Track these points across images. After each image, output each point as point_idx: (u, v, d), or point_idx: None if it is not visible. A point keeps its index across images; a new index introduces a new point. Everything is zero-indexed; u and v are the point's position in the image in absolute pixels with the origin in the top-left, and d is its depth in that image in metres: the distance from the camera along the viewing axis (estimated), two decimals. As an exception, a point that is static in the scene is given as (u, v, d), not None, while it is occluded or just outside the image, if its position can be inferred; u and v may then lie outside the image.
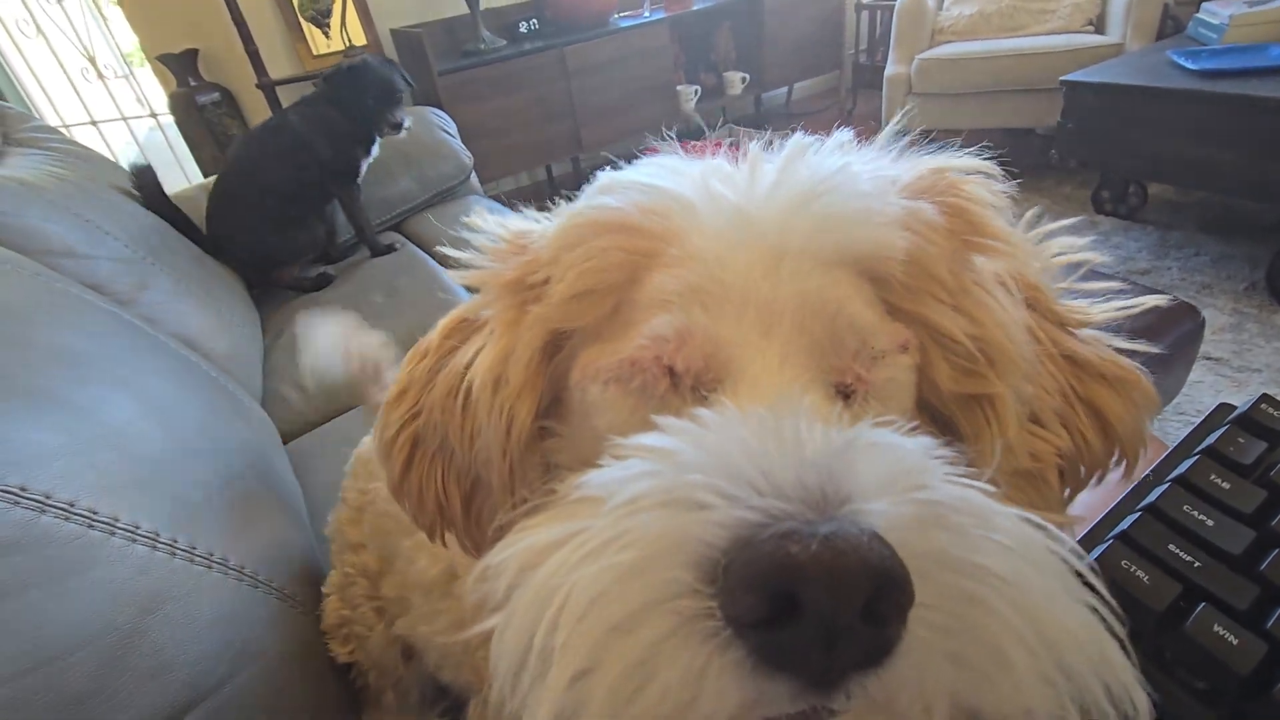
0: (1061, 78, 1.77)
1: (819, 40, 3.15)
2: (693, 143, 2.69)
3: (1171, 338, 0.89)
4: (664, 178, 0.25)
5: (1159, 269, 1.75)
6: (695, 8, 2.79)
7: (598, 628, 0.16)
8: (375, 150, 1.26)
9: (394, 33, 2.47)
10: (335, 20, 2.39)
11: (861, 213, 0.23)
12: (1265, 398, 0.31)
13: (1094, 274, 0.30)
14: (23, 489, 0.35)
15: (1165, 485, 0.28)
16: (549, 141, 2.57)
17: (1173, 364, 0.91)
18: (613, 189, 0.25)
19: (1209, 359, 1.43)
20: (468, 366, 0.26)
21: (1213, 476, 0.27)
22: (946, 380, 0.24)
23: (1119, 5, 2.12)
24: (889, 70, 2.33)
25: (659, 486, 0.17)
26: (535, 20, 2.65)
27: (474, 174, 1.54)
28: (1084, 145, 1.80)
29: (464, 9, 2.44)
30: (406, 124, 1.23)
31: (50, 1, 2.57)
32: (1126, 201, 1.99)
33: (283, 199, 1.14)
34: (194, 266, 0.97)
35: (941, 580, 0.16)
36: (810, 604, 0.15)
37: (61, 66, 2.74)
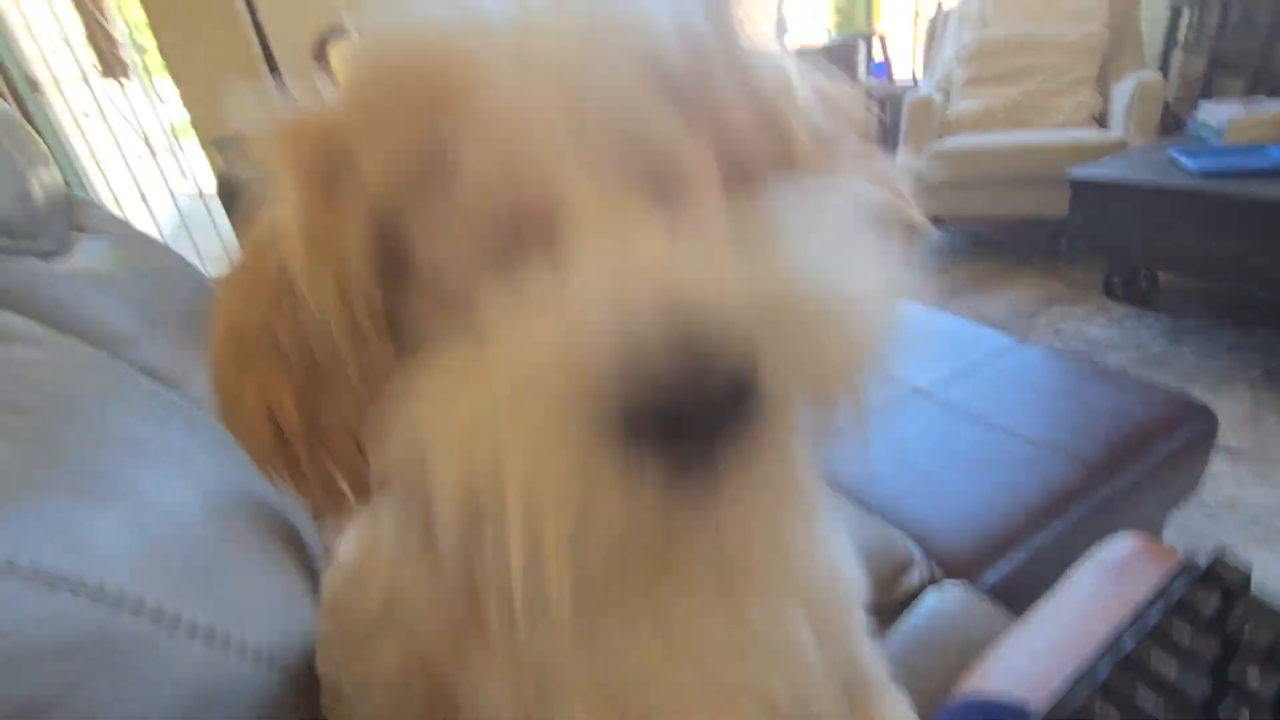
0: (1069, 172, 1.84)
1: (831, 128, 3.30)
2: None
3: (1184, 438, 0.90)
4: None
5: (1173, 355, 1.77)
6: (713, 98, 2.95)
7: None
8: None
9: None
10: (377, 108, 2.56)
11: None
12: (1221, 554, 0.34)
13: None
14: (101, 587, 0.38)
15: (1136, 636, 0.30)
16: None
17: (1186, 463, 0.92)
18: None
19: (1229, 450, 1.42)
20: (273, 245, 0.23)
21: (1177, 629, 0.30)
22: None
23: (1121, 103, 2.22)
24: (900, 160, 2.43)
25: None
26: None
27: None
28: (1093, 236, 1.86)
29: (496, 98, 2.61)
30: None
31: (117, 86, 2.78)
32: (1138, 288, 2.02)
33: None
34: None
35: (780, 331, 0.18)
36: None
37: (118, 145, 2.94)
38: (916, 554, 0.67)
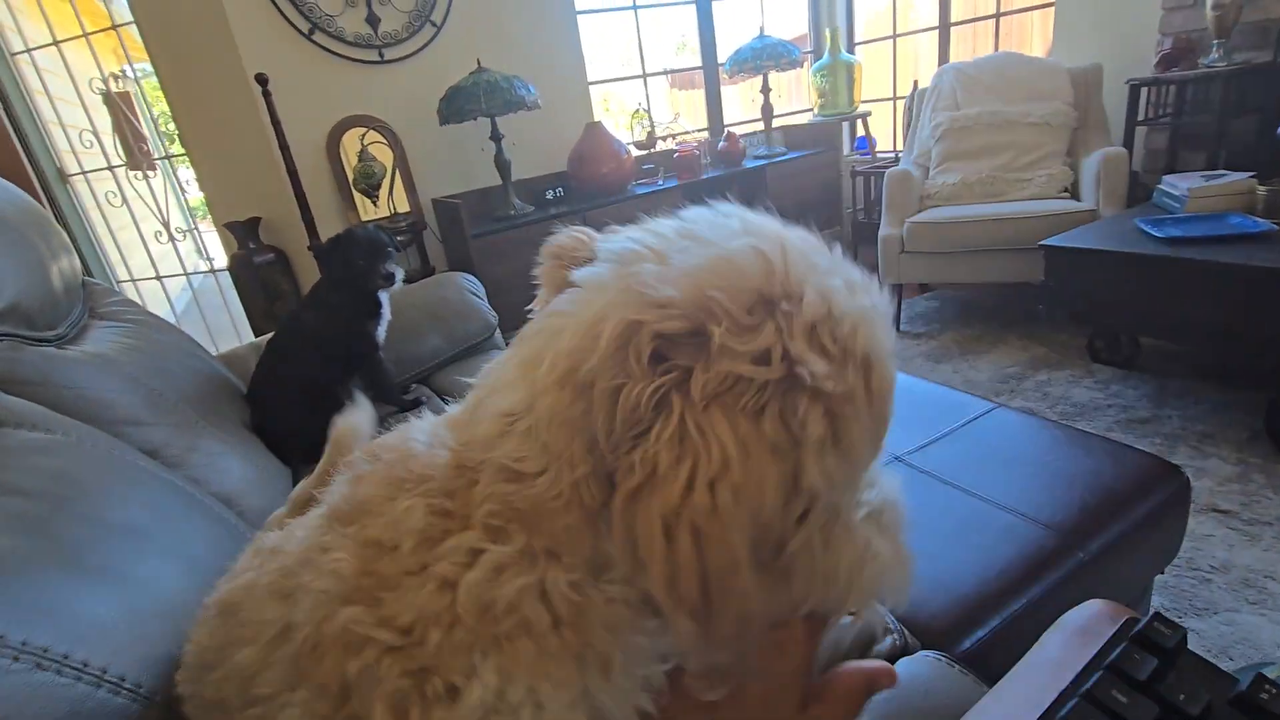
0: (1040, 242, 1.92)
1: (819, 202, 3.45)
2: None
3: (1158, 500, 0.92)
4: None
5: (1159, 418, 1.79)
6: (705, 176, 3.10)
7: None
8: (386, 312, 1.34)
9: (435, 202, 2.77)
10: (384, 191, 2.70)
11: None
12: (1157, 616, 0.36)
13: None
14: (85, 664, 0.41)
15: (1074, 700, 0.32)
16: (569, 293, 2.77)
17: (1163, 525, 0.93)
18: None
19: (1218, 511, 1.43)
20: None
21: (1114, 692, 0.32)
22: None
23: (1090, 175, 2.33)
24: (883, 231, 2.53)
25: None
26: (561, 188, 2.97)
27: (498, 330, 1.67)
28: (1069, 302, 1.92)
29: (497, 180, 2.75)
30: (399, 276, 1.30)
31: (138, 179, 2.94)
32: (1121, 351, 2.07)
33: (315, 388, 1.21)
34: (238, 426, 1.06)
35: None
36: None
37: (138, 229, 3.08)
38: (888, 619, 0.69)
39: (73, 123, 3.02)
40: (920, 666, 0.61)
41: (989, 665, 0.70)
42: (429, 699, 0.29)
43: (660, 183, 3.06)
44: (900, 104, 3.77)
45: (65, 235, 1.11)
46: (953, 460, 1.04)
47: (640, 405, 0.26)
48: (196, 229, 3.30)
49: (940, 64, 3.49)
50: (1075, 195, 2.46)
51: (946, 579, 0.81)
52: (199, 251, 3.26)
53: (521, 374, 0.32)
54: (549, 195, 2.95)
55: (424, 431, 0.37)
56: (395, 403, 1.36)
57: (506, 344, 1.80)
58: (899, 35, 3.80)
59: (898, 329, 2.63)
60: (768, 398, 0.26)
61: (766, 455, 0.26)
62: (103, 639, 0.43)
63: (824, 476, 0.27)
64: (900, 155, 3.50)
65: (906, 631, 0.70)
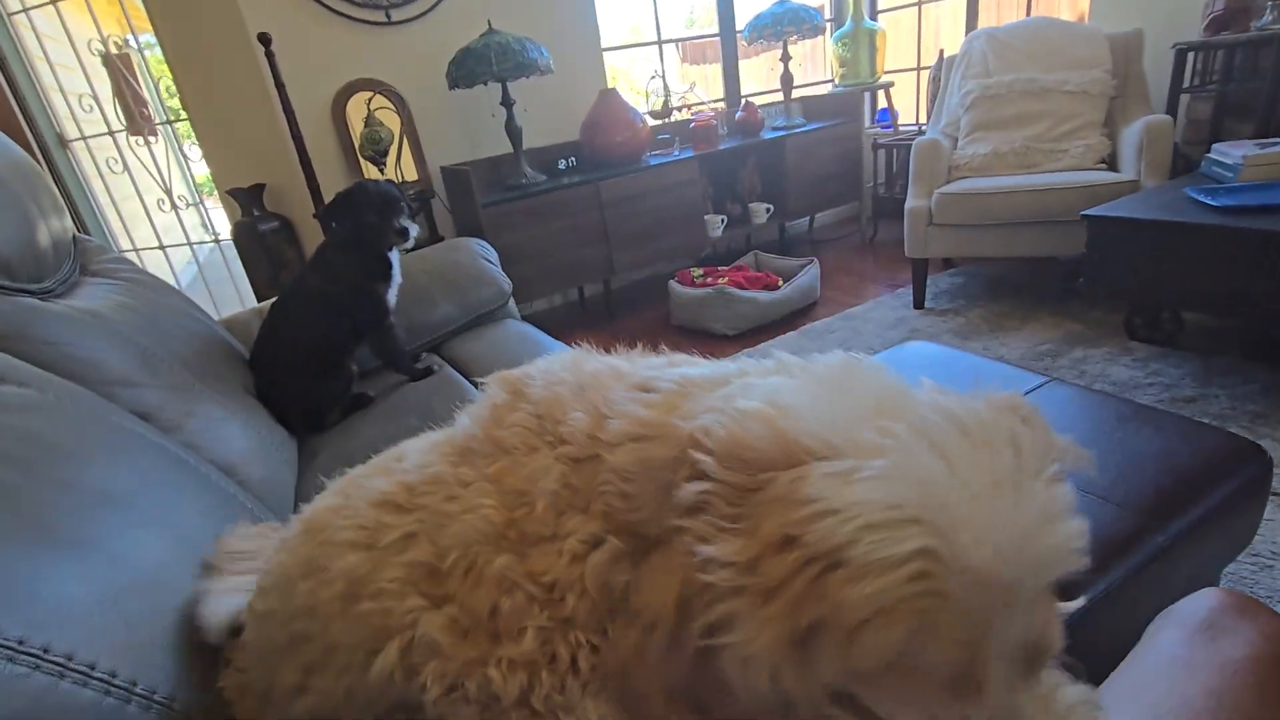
0: (1083, 211, 1.82)
1: (839, 174, 3.34)
2: (720, 267, 2.79)
3: (1239, 481, 0.84)
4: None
5: (1206, 397, 1.70)
6: (722, 147, 2.99)
7: None
8: (397, 274, 1.27)
9: (444, 170, 2.67)
10: (391, 158, 2.61)
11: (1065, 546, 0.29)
12: None
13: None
14: (45, 650, 0.34)
15: None
16: (583, 265, 2.69)
17: (1242, 508, 0.86)
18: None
19: (1275, 495, 1.35)
20: None
21: None
22: None
23: (1131, 146, 2.22)
24: (909, 203, 2.43)
25: None
26: (573, 158, 2.87)
27: (511, 299, 1.60)
28: (1111, 275, 1.82)
29: (508, 148, 2.65)
30: (413, 231, 1.23)
31: (140, 145, 2.86)
32: (1162, 328, 1.97)
33: (320, 354, 1.16)
34: (241, 392, 0.99)
35: None
36: None
37: (140, 198, 3.00)
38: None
39: (72, 88, 2.93)
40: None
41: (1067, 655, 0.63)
42: (571, 644, 0.34)
43: (676, 153, 2.96)
44: (924, 75, 3.64)
45: (59, 196, 1.03)
46: (1008, 436, 0.96)
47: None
48: (202, 204, 3.22)
49: (968, 31, 3.36)
50: (1113, 166, 2.34)
51: (1014, 563, 0.73)
52: (204, 225, 3.19)
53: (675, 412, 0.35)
54: (561, 165, 2.86)
55: (569, 375, 0.40)
56: (407, 371, 1.29)
57: (519, 315, 1.73)
58: (925, 1, 3.66)
59: (923, 305, 2.54)
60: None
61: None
62: (70, 622, 0.36)
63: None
64: (924, 127, 3.39)
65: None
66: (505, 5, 2.67)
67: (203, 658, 0.43)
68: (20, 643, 0.33)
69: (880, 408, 0.30)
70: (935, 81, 3.00)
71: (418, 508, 0.39)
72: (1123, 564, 0.73)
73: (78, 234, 1.07)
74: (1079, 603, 0.34)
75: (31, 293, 0.78)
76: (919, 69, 3.81)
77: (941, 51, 3.09)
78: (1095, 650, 0.73)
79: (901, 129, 3.60)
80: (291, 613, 0.40)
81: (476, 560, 0.36)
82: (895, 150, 3.44)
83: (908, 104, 3.86)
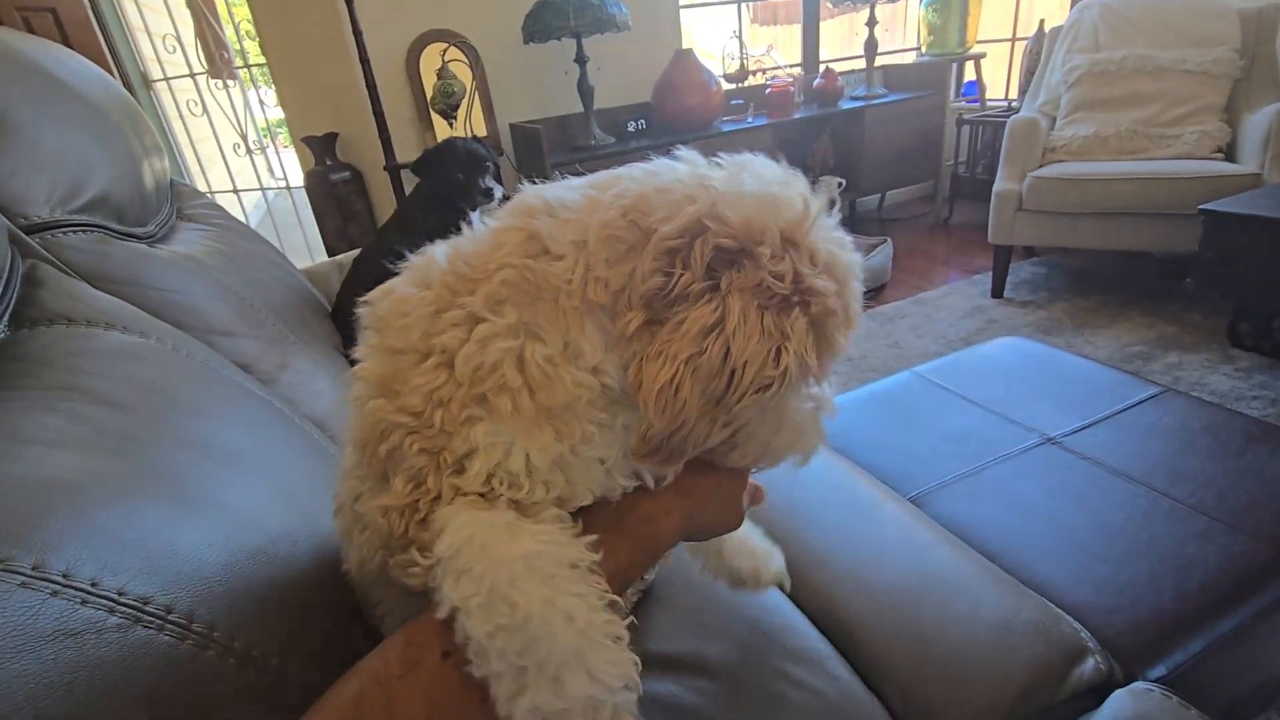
0: (1201, 206, 1.68)
1: (917, 151, 3.17)
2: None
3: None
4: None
5: (1317, 416, 1.58)
6: (797, 116, 2.87)
7: None
8: None
9: (513, 127, 2.64)
10: (462, 113, 2.58)
11: None
12: None
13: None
14: (168, 610, 0.33)
15: None
16: (646, 233, 2.64)
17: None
18: None
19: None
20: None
21: None
22: None
23: (1255, 135, 2.03)
24: (998, 186, 2.29)
25: None
26: (644, 121, 2.79)
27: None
28: (1226, 277, 1.69)
29: (578, 107, 2.59)
30: (498, 193, 1.22)
31: (219, 88, 2.91)
32: (1271, 337, 1.83)
33: None
34: (327, 345, 0.99)
35: None
36: None
37: (217, 141, 3.06)
38: (1088, 640, 0.57)
39: (156, 29, 2.98)
40: (1146, 704, 0.50)
41: (1190, 696, 0.59)
42: (442, 470, 0.35)
43: (750, 120, 2.85)
44: (1019, 47, 3.40)
45: (158, 137, 1.04)
46: (1120, 447, 0.90)
47: (689, 290, 0.34)
48: (274, 147, 3.27)
49: (1075, 1, 3.11)
50: (1230, 157, 2.16)
51: (1133, 586, 0.69)
52: (270, 171, 3.24)
53: (585, 190, 0.39)
54: (630, 127, 2.78)
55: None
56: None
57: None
58: (1028, -34, 3.40)
59: (1002, 295, 2.42)
60: (776, 303, 0.34)
61: (758, 334, 0.33)
62: (196, 585, 0.35)
63: (799, 364, 0.35)
64: (1012, 104, 3.18)
65: (1110, 655, 0.59)
66: (584, -43, 2.58)
67: (317, 628, 0.43)
68: (144, 602, 0.32)
69: (786, 178, 0.41)
70: (1033, 54, 2.80)
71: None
72: (1257, 599, 0.67)
73: (174, 178, 1.08)
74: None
75: (139, 237, 0.78)
76: (1014, 40, 3.56)
77: (1042, 22, 2.88)
78: (1225, 696, 0.69)
79: (989, 104, 3.39)
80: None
81: (360, 422, 0.39)
82: (981, 127, 3.25)
83: (998, 78, 3.63)
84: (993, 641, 0.55)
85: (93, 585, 0.30)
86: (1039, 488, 0.85)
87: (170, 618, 0.32)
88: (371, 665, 0.31)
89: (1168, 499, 0.80)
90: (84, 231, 0.67)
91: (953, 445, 0.95)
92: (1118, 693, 0.51)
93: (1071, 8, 2.62)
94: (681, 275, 0.34)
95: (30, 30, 2.43)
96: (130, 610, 0.31)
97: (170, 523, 0.39)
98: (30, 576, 0.29)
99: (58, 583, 0.29)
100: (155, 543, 0.36)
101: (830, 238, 0.37)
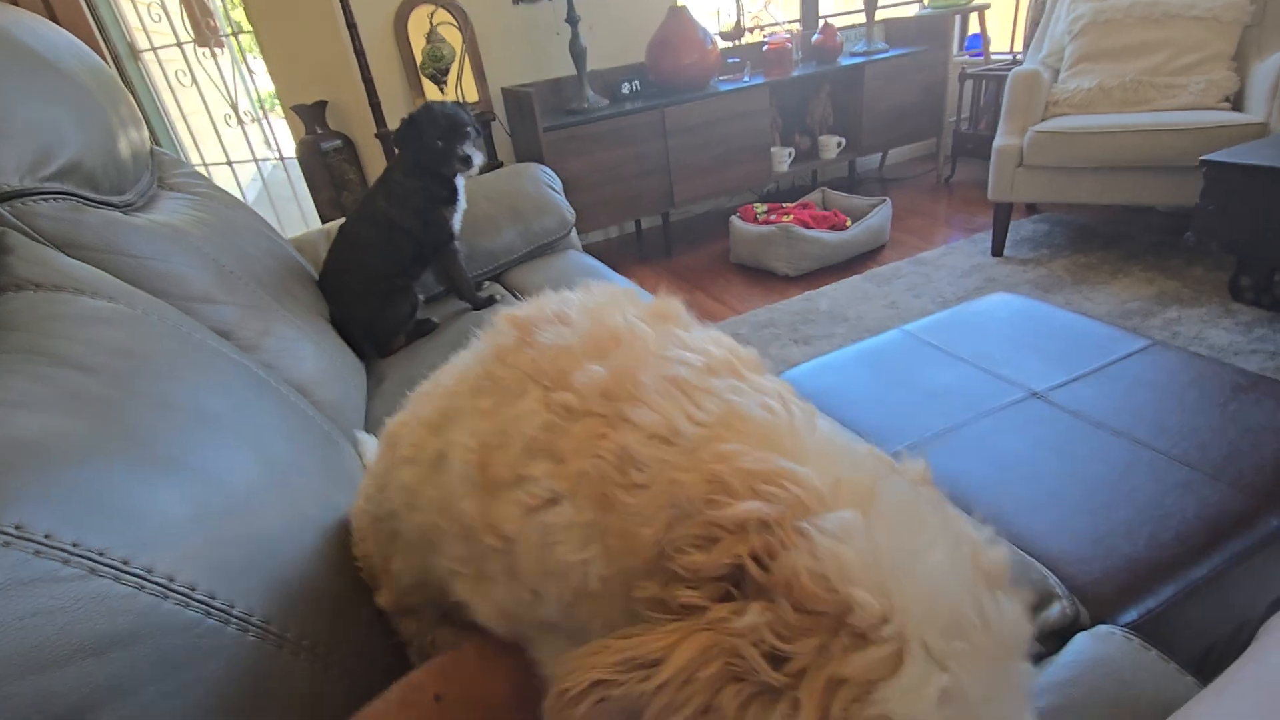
0: (1202, 157, 1.65)
1: (919, 108, 3.11)
2: (785, 204, 2.67)
3: (1372, 465, 0.76)
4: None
5: (1316, 369, 1.57)
6: (795, 74, 2.81)
7: None
8: (462, 200, 1.25)
9: (505, 91, 2.59)
10: (452, 78, 2.54)
11: None
12: None
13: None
14: (149, 570, 0.34)
15: None
16: (642, 196, 2.61)
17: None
18: None
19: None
20: None
21: None
22: None
23: (1263, 83, 1.98)
24: (999, 141, 2.24)
25: None
26: (637, 82, 2.74)
27: (574, 229, 1.56)
28: (1227, 229, 1.66)
29: (571, 70, 2.55)
30: (477, 159, 1.19)
31: (206, 56, 2.86)
32: (1272, 291, 1.81)
33: (386, 278, 1.16)
34: (311, 312, 1.00)
35: None
36: None
37: (208, 112, 3.02)
38: (1056, 585, 0.58)
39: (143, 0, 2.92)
40: (1107, 646, 0.50)
41: (1162, 641, 0.60)
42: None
43: (746, 79, 2.79)
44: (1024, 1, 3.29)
45: (135, 107, 1.03)
46: (1105, 401, 0.89)
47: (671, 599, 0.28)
48: (265, 119, 3.22)
49: (1083, -55, 3.00)
50: (1238, 106, 2.10)
51: (1110, 536, 0.69)
52: (267, 142, 3.20)
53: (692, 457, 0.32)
54: (624, 89, 2.73)
55: (585, 322, 0.39)
56: (470, 299, 1.28)
57: (580, 245, 1.70)
58: (1035, -89, 3.27)
59: (1001, 253, 2.39)
60: (754, 686, 0.25)
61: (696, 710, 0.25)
62: (172, 543, 0.36)
63: None
64: (1018, 56, 3.09)
65: (1077, 601, 0.60)
66: (573, -89, 2.50)
67: (297, 584, 0.44)
68: (125, 562, 0.33)
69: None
70: (1038, 5, 2.71)
71: (444, 428, 0.41)
72: (1230, 546, 0.68)
73: (154, 147, 1.07)
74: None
75: (114, 205, 0.78)
76: (1020, -10, 3.45)
77: (1049, -31, 2.78)
78: (1200, 641, 0.70)
79: (993, 58, 3.30)
80: (381, 514, 0.49)
81: (453, 500, 0.37)
82: (985, 82, 3.17)
83: (1003, 30, 3.53)
84: (962, 588, 0.56)
85: (46, 538, 0.31)
86: (1022, 442, 0.85)
87: (128, 568, 0.33)
88: (374, 706, 0.33)
89: (1150, 450, 0.80)
90: (55, 200, 0.67)
91: (937, 401, 0.95)
92: (1079, 635, 0.52)
93: (1078, -47, 2.53)
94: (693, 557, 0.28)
95: (14, 2, 2.38)
96: (87, 560, 0.32)
97: (142, 482, 0.39)
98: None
99: (8, 534, 0.29)
100: (122, 501, 0.37)
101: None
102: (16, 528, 0.30)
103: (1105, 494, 0.75)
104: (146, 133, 1.04)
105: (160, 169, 1.06)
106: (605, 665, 0.26)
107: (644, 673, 0.25)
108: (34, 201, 0.64)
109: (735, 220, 2.57)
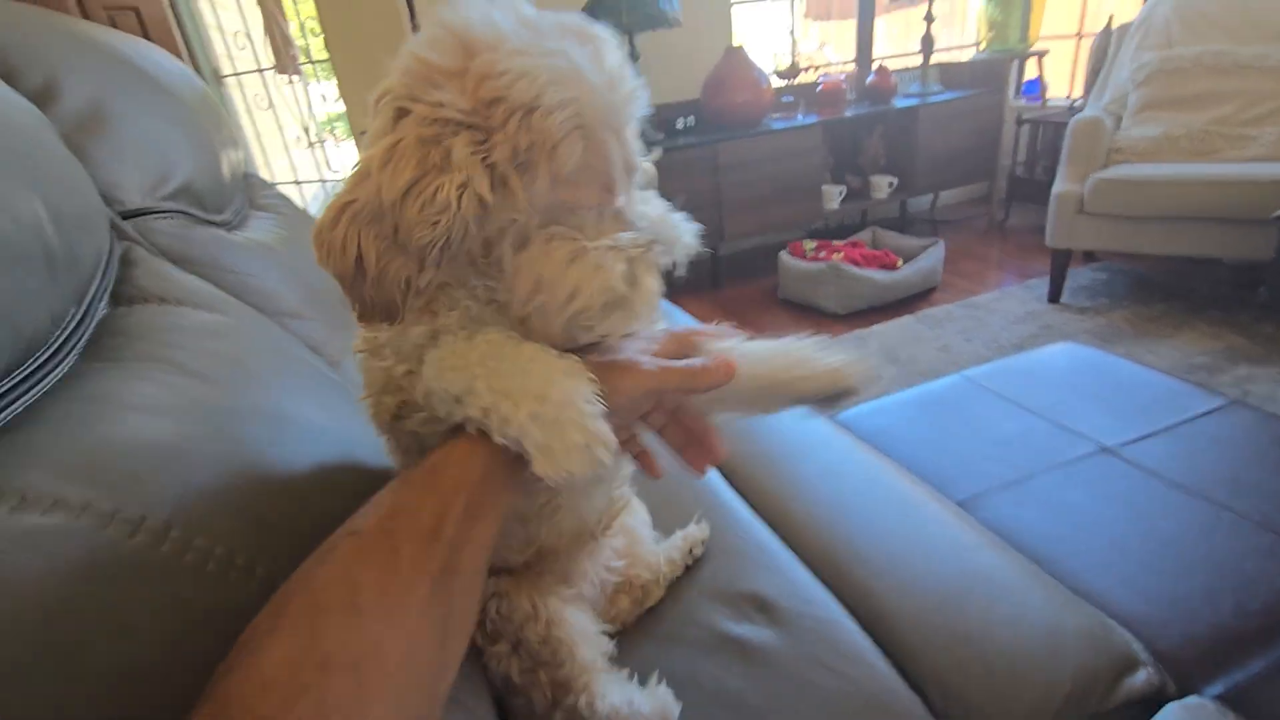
0: (1277, 213, 1.60)
1: (972, 151, 3.09)
2: (834, 241, 2.67)
3: None
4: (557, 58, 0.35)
5: (1401, 436, 1.48)
6: (848, 114, 2.83)
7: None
8: None
9: (563, 122, 2.67)
10: (513, 109, 2.63)
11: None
12: None
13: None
14: (268, 580, 0.35)
15: None
16: (692, 230, 2.64)
17: None
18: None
19: None
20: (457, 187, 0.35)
21: None
22: None
23: (1341, 136, 1.92)
24: (1058, 187, 2.22)
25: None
26: (692, 117, 2.79)
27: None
28: (1303, 286, 1.60)
29: (628, 104, 2.61)
30: None
31: (287, 83, 3.02)
32: (1351, 352, 1.73)
33: None
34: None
35: None
36: None
37: (282, 135, 3.19)
38: (1139, 651, 0.56)
39: (228, 27, 3.12)
40: (1197, 718, 0.48)
41: (1249, 716, 0.57)
42: None
43: (800, 118, 2.82)
44: (1085, 44, 3.27)
45: (232, 129, 1.10)
46: (1181, 459, 0.87)
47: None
48: (334, 139, 3.38)
49: (1148, -5, 2.98)
50: (1313, 160, 2.04)
51: (1190, 600, 0.67)
52: (325, 163, 3.36)
53: None
54: (679, 124, 2.79)
55: None
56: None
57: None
58: (1097, -40, 3.27)
59: (1058, 300, 2.34)
60: (434, 133, 0.34)
61: (411, 169, 0.34)
62: (290, 554, 0.38)
63: (471, 197, 0.34)
64: (1076, 102, 3.06)
65: (1161, 668, 0.57)
66: (638, -46, 2.60)
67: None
68: (248, 569, 0.35)
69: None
70: (1099, 51, 2.69)
71: None
72: (1324, 622, 0.65)
73: (247, 170, 1.14)
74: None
75: (217, 224, 0.83)
76: (1079, 36, 3.44)
77: (1110, 18, 2.76)
78: None
79: (1050, 103, 3.28)
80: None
81: None
82: (1041, 127, 3.15)
83: (1061, 75, 3.51)
84: (1039, 646, 0.54)
85: (196, 542, 0.33)
86: (1092, 497, 0.83)
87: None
88: (302, 566, 0.33)
89: (1231, 513, 0.77)
90: (170, 217, 0.72)
91: (1002, 450, 0.94)
92: (1170, 705, 0.50)
93: (1143, 3, 2.51)
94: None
95: (115, 27, 2.57)
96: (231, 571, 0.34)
97: (260, 491, 0.42)
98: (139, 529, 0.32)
99: (158, 533, 0.32)
100: (250, 508, 0.39)
101: (527, 56, 0.35)
102: (166, 526, 0.32)
103: (1183, 556, 0.73)
104: (242, 155, 1.11)
105: (250, 190, 1.13)
106: (344, 188, 0.36)
107: (363, 174, 0.35)
108: (153, 219, 0.69)
109: (785, 256, 2.58)
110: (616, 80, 0.37)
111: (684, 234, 0.43)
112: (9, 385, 0.40)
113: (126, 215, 0.67)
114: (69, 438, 0.37)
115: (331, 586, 0.31)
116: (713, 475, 0.80)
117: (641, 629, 0.60)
